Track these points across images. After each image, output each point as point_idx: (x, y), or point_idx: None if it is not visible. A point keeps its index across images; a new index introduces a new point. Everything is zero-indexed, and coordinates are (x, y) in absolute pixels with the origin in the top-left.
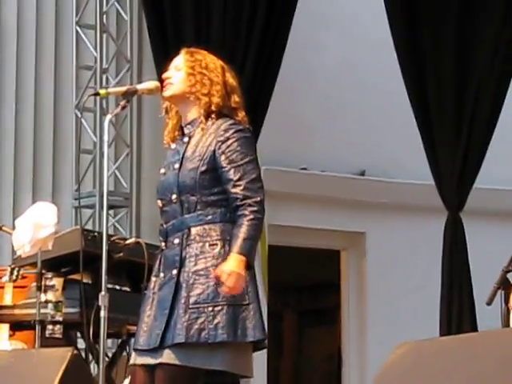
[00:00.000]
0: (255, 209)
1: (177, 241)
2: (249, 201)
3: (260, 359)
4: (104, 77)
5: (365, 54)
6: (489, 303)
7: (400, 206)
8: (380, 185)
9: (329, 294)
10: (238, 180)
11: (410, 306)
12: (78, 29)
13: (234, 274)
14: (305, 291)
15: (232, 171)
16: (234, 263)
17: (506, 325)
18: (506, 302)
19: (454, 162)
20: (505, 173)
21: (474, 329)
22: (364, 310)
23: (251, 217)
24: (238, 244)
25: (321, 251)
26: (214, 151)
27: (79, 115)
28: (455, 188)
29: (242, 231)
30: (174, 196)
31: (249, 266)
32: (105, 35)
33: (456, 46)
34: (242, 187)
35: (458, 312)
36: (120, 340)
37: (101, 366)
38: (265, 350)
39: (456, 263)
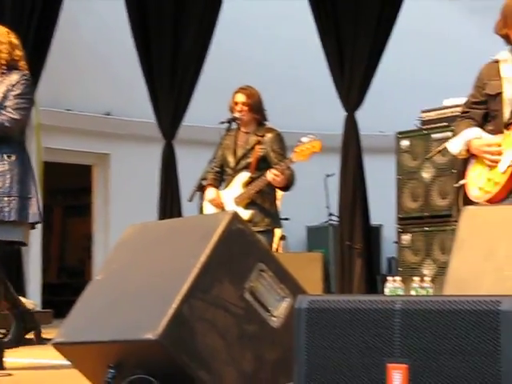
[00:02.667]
0: (7, 116)
1: None
2: (7, 113)
3: (36, 237)
4: None
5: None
6: (190, 200)
7: (133, 136)
8: (120, 122)
9: (84, 195)
10: (10, 107)
11: (138, 202)
12: None
13: None
14: (68, 192)
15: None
16: None
17: (200, 212)
18: (202, 199)
19: (170, 105)
20: (205, 114)
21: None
22: (108, 207)
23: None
24: None
25: (79, 166)
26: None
27: None
28: (170, 123)
29: None
30: None
31: None
32: None
33: None
34: (9, 109)
35: (170, 207)
36: None
37: None
38: (40, 231)
39: (169, 175)
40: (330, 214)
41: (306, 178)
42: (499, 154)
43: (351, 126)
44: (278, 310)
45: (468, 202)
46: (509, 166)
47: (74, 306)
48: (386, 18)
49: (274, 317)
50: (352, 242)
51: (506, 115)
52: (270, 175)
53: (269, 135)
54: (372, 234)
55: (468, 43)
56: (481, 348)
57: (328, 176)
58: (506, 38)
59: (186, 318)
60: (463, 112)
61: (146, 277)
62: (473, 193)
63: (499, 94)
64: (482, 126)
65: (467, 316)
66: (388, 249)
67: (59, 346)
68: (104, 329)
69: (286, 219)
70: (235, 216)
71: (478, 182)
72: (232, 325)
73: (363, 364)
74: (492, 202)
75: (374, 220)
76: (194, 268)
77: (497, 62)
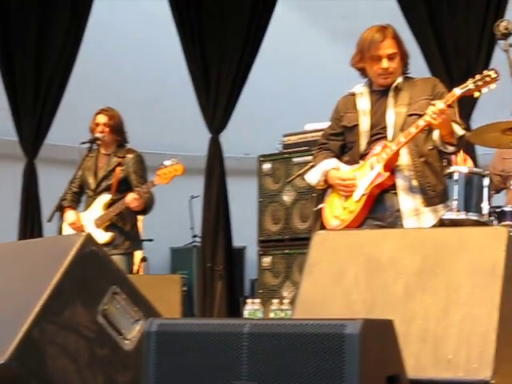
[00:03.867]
0: None
1: None
2: None
3: None
4: None
5: None
6: (49, 220)
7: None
8: None
9: None
10: None
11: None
12: None
13: None
14: None
15: None
16: None
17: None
18: (61, 220)
19: (33, 123)
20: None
21: None
22: None
23: None
24: None
25: None
26: None
27: None
28: (32, 143)
29: None
30: None
31: None
32: None
33: None
34: None
35: (31, 228)
36: None
37: None
38: None
39: (30, 194)
40: (195, 236)
41: (171, 199)
42: (353, 188)
43: (215, 149)
44: (131, 333)
45: (325, 226)
46: (363, 195)
47: None
48: (252, 41)
49: (127, 340)
50: (214, 263)
51: (362, 146)
52: (129, 198)
53: (129, 156)
54: (235, 256)
55: (331, 68)
56: (326, 371)
57: (193, 197)
58: (362, 71)
59: (36, 341)
60: (321, 144)
61: None
62: (329, 221)
63: (355, 126)
64: (339, 157)
65: (313, 339)
66: (251, 271)
67: None
68: None
69: (150, 240)
70: (89, 238)
71: (335, 211)
72: (84, 348)
73: None
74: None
75: (239, 242)
76: (45, 290)
77: (353, 95)
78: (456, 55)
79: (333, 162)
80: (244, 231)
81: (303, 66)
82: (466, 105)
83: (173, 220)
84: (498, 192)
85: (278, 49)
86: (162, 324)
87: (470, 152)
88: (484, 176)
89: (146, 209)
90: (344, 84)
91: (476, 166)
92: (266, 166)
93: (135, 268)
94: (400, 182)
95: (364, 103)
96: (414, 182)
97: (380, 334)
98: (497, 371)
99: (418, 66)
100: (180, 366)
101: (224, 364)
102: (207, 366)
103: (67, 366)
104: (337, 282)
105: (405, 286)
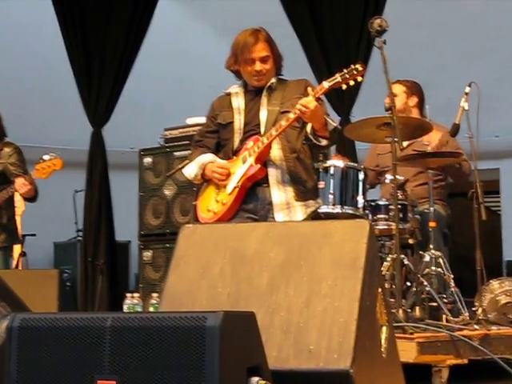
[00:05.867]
0: None
1: None
2: None
3: None
4: None
5: None
6: None
7: None
8: None
9: None
10: None
11: None
12: None
13: None
14: None
15: None
16: None
17: None
18: None
19: None
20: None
21: None
22: None
23: None
24: None
25: None
26: None
27: None
28: None
29: None
30: None
31: None
32: None
33: None
34: None
35: None
36: None
37: None
38: None
39: None
40: (78, 230)
41: (54, 193)
42: (228, 175)
43: (97, 142)
44: None
45: (198, 219)
46: (235, 187)
47: None
48: (135, 33)
49: None
50: (95, 258)
51: (236, 143)
52: (18, 184)
53: (6, 150)
54: (119, 251)
55: (215, 61)
56: (187, 363)
57: (77, 192)
58: (236, 73)
59: None
60: (197, 141)
61: None
62: (202, 214)
63: (230, 124)
64: (215, 153)
65: (175, 332)
66: (136, 265)
67: None
68: None
69: (33, 235)
70: None
71: (208, 204)
72: None
73: (74, 382)
74: (219, 222)
75: (123, 236)
76: None
77: (228, 94)
78: (336, 52)
79: (210, 156)
80: (128, 225)
81: (189, 59)
82: (347, 101)
83: (56, 214)
84: (372, 187)
85: (164, 42)
86: (24, 319)
87: (349, 147)
88: (359, 170)
89: (35, 196)
90: (229, 78)
91: (356, 160)
92: (147, 160)
93: (14, 263)
94: (272, 175)
95: (239, 102)
96: (286, 176)
97: (241, 326)
98: (356, 361)
99: (300, 63)
100: (42, 362)
101: (87, 358)
102: (70, 361)
103: None
104: (203, 274)
105: (269, 279)
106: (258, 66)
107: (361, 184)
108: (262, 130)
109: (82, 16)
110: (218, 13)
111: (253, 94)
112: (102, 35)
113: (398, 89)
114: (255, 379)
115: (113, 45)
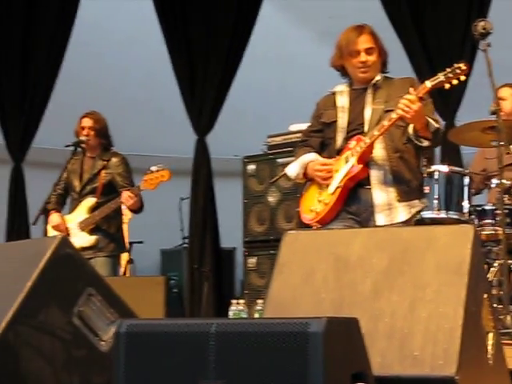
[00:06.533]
0: None
1: None
2: None
3: None
4: None
5: None
6: (34, 223)
7: None
8: None
9: None
10: None
11: None
12: None
13: None
14: None
15: None
16: None
17: (45, 236)
18: (46, 223)
19: (19, 126)
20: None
21: None
22: None
23: None
24: None
25: None
26: None
27: None
28: (19, 147)
29: None
30: None
31: None
32: None
33: None
34: None
35: (18, 230)
36: None
37: None
38: None
39: (17, 198)
40: (184, 238)
41: (160, 201)
42: (330, 174)
43: (202, 150)
44: (107, 334)
45: (303, 225)
46: (337, 187)
47: None
48: (238, 41)
49: (103, 341)
50: (201, 265)
51: (339, 142)
52: (124, 197)
53: (114, 160)
54: (224, 258)
55: (318, 67)
56: (290, 369)
57: (182, 199)
58: (341, 69)
59: (10, 343)
60: (302, 141)
61: None
62: (304, 214)
63: (334, 123)
64: (319, 153)
65: (278, 338)
66: (241, 272)
67: None
68: None
69: (140, 242)
70: (64, 240)
71: (311, 204)
72: (59, 350)
73: None
74: (322, 222)
75: (228, 243)
76: (19, 293)
77: (333, 93)
78: (439, 54)
79: (312, 156)
80: (233, 232)
81: (291, 65)
82: (452, 104)
83: (163, 222)
84: (478, 192)
85: (267, 49)
86: (131, 325)
87: (454, 151)
88: (464, 175)
89: (141, 207)
90: (332, 83)
91: (461, 165)
92: (251, 167)
93: (122, 270)
94: (374, 175)
95: (343, 101)
96: (389, 176)
97: (345, 332)
98: (461, 367)
99: (403, 66)
100: (148, 367)
101: (191, 364)
102: (175, 366)
103: (42, 367)
104: (306, 281)
105: (372, 285)
106: (363, 56)
107: (466, 189)
108: (366, 128)
109: (185, 25)
110: (321, 18)
111: (358, 92)
112: (204, 43)
113: (507, 92)
114: None
115: (216, 53)
